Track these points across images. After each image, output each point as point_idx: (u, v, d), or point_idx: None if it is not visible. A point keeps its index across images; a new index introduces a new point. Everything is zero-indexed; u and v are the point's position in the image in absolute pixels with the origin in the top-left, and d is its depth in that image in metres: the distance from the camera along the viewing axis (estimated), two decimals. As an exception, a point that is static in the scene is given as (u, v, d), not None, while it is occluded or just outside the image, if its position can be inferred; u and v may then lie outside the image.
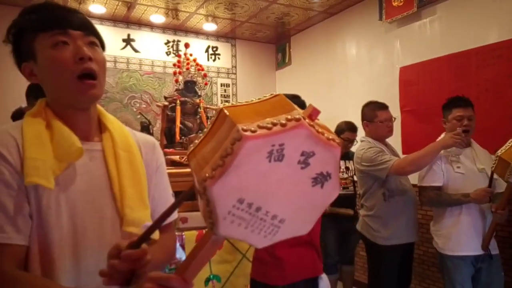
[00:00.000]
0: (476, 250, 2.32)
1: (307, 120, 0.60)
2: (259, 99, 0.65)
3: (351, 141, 3.42)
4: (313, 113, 0.62)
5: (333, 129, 3.52)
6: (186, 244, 2.44)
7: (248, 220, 0.61)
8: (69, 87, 0.86)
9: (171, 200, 1.08)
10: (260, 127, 0.56)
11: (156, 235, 0.94)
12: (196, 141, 0.68)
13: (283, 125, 0.57)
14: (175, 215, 1.07)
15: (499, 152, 2.20)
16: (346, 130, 3.43)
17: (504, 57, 2.99)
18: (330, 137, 0.62)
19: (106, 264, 0.83)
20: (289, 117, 0.58)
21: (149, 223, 0.90)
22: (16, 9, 3.81)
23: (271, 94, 0.66)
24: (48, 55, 0.86)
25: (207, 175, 0.57)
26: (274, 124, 0.57)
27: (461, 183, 2.35)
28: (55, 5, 0.91)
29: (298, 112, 0.60)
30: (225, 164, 0.56)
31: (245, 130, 0.55)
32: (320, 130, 0.61)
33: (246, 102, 0.65)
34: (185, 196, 0.69)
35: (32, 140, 0.83)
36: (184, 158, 3.01)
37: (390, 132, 2.73)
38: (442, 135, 2.54)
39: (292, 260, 1.73)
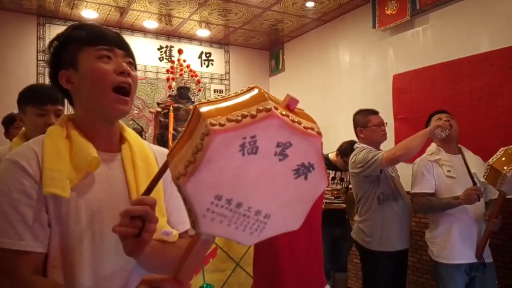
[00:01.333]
0: (470, 258, 2.32)
1: (279, 110, 0.58)
2: (235, 93, 0.64)
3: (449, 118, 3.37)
4: (291, 103, 0.61)
5: (336, 148, 3.46)
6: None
7: (230, 216, 0.59)
8: (104, 97, 0.94)
9: (183, 210, 1.10)
10: (229, 120, 0.55)
11: (175, 237, 0.98)
12: (176, 140, 0.67)
13: (253, 116, 0.55)
14: (187, 224, 1.11)
15: (490, 161, 2.21)
16: (350, 151, 3.38)
17: (496, 65, 3.02)
18: (309, 126, 0.60)
19: (121, 270, 0.93)
20: (259, 107, 0.56)
21: (168, 229, 0.97)
22: (8, 14, 3.70)
23: (248, 87, 0.64)
24: (91, 65, 0.94)
25: (180, 172, 0.57)
26: (244, 116, 0.55)
27: (452, 187, 2.36)
28: (102, 26, 1.02)
29: (269, 102, 0.58)
30: (196, 161, 0.55)
31: (213, 125, 0.54)
32: (296, 119, 0.59)
33: (222, 97, 0.63)
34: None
35: (51, 152, 0.90)
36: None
37: (384, 137, 2.74)
38: (433, 144, 2.57)
39: (294, 275, 1.68)
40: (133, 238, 0.80)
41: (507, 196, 2.23)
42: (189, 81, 3.92)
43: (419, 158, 2.54)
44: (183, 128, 0.64)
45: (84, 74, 0.95)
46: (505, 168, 2.12)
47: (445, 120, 2.47)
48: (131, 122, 4.69)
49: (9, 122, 2.77)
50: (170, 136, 3.57)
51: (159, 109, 3.79)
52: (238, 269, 2.51)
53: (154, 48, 5.19)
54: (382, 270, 2.63)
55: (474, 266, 2.34)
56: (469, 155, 2.50)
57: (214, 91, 5.61)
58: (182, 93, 3.85)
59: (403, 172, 3.03)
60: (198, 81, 4.05)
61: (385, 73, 3.99)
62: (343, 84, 4.59)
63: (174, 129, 3.64)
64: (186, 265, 0.65)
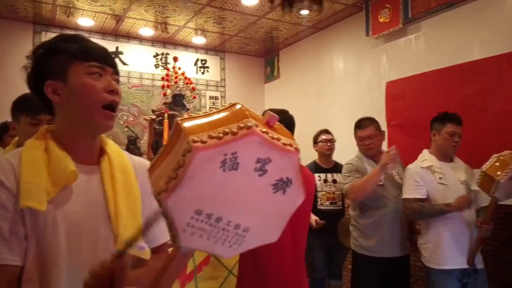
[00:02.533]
0: (461, 264, 2.33)
1: (260, 127, 0.59)
2: (216, 109, 0.65)
3: (329, 141, 3.38)
4: (271, 120, 0.62)
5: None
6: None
7: (209, 231, 0.61)
8: (94, 112, 0.95)
9: (163, 223, 1.09)
10: (211, 137, 0.56)
11: (147, 255, 0.98)
12: (157, 155, 0.68)
13: (234, 133, 0.57)
14: (166, 236, 1.10)
15: (484, 168, 2.24)
16: (320, 133, 3.45)
17: (486, 73, 3.06)
18: (287, 142, 0.62)
19: None
20: (241, 125, 0.58)
21: (142, 243, 0.93)
22: (4, 21, 3.70)
23: (230, 103, 0.66)
24: (82, 81, 0.95)
25: (161, 188, 0.58)
26: (225, 133, 0.57)
27: (444, 194, 2.38)
28: (92, 41, 1.02)
29: (250, 120, 0.60)
30: (178, 177, 0.56)
31: (195, 141, 0.56)
32: (275, 136, 0.61)
33: (203, 113, 0.65)
34: (155, 217, 0.69)
35: (28, 165, 0.89)
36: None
37: (367, 151, 2.75)
38: (426, 151, 2.57)
39: (280, 285, 1.68)
40: None
41: (499, 203, 2.26)
42: (184, 89, 3.94)
43: (412, 164, 2.56)
44: (166, 143, 0.65)
45: (74, 89, 0.95)
46: (498, 174, 2.14)
47: (453, 145, 2.44)
48: (126, 129, 4.71)
49: (3, 130, 2.77)
50: (164, 143, 3.58)
51: (154, 117, 3.80)
52: (231, 277, 2.51)
53: (150, 55, 5.22)
54: (366, 274, 2.69)
55: (466, 272, 2.35)
56: (460, 163, 2.53)
57: (210, 98, 5.63)
58: (177, 101, 3.87)
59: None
60: (193, 89, 4.08)
61: (378, 80, 4.02)
62: (337, 91, 4.62)
63: (169, 137, 3.65)
64: (164, 278, 0.67)
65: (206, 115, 0.64)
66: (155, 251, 1.04)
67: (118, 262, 0.76)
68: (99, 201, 0.95)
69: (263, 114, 0.65)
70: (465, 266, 2.32)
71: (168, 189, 0.57)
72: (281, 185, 0.63)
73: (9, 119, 2.36)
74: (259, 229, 0.65)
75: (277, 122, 0.66)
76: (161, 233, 1.07)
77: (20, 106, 1.84)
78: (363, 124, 2.78)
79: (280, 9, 2.20)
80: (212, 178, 0.57)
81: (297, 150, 0.63)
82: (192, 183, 0.56)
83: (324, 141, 3.40)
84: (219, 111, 0.64)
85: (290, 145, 0.62)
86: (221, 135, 0.57)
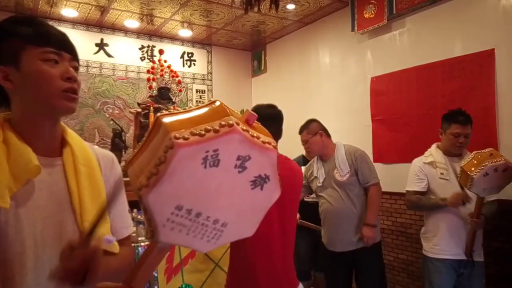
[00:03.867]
0: (458, 255, 2.42)
1: (241, 125, 0.61)
2: (196, 106, 0.66)
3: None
4: (250, 118, 0.64)
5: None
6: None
7: (189, 226, 0.62)
8: (54, 96, 0.90)
9: (127, 214, 1.10)
10: (193, 134, 0.57)
11: (116, 248, 0.96)
12: (135, 150, 0.68)
13: (216, 131, 0.58)
14: (131, 229, 1.10)
15: (462, 164, 2.31)
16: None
17: (467, 69, 3.12)
18: (266, 140, 0.64)
19: None
20: (222, 122, 0.59)
21: (110, 236, 0.92)
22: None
23: (209, 101, 0.67)
24: (36, 67, 0.89)
25: (142, 184, 0.58)
26: (207, 131, 0.58)
27: (445, 189, 2.46)
28: (48, 24, 0.96)
29: (231, 117, 0.61)
30: (159, 172, 0.57)
31: (178, 138, 0.56)
32: (255, 134, 0.63)
33: (183, 109, 0.65)
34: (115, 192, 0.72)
35: None
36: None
37: (308, 154, 3.22)
38: (433, 146, 2.63)
39: (268, 277, 1.70)
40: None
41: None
42: (170, 82, 3.91)
43: (416, 159, 2.66)
44: (144, 138, 0.66)
45: (28, 76, 0.90)
46: (473, 170, 2.22)
47: (458, 145, 2.49)
48: (111, 122, 4.67)
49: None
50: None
51: (140, 110, 3.77)
52: (217, 269, 2.54)
53: (135, 47, 5.16)
54: (328, 266, 2.94)
55: (462, 263, 2.43)
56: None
57: (197, 91, 5.61)
58: (163, 94, 3.84)
59: (402, 172, 3.17)
60: (179, 82, 4.05)
61: (363, 75, 4.07)
62: (323, 85, 4.66)
63: (155, 130, 3.63)
64: (141, 272, 0.67)
65: (186, 111, 0.64)
66: (120, 244, 1.00)
67: (89, 246, 0.73)
68: (63, 195, 0.92)
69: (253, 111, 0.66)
70: (462, 257, 2.41)
71: (149, 185, 0.57)
72: (259, 181, 0.65)
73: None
74: (236, 224, 0.66)
75: (256, 120, 0.68)
76: (125, 226, 1.05)
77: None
78: (299, 130, 2.98)
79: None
80: (193, 174, 0.58)
81: (275, 148, 0.65)
82: (173, 179, 0.57)
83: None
84: (199, 108, 0.65)
85: (269, 143, 0.64)
86: (203, 132, 0.58)
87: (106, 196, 0.98)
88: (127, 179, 1.06)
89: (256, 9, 2.25)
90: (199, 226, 0.62)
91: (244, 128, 0.61)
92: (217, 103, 0.65)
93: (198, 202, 0.61)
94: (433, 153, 2.59)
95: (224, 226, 0.65)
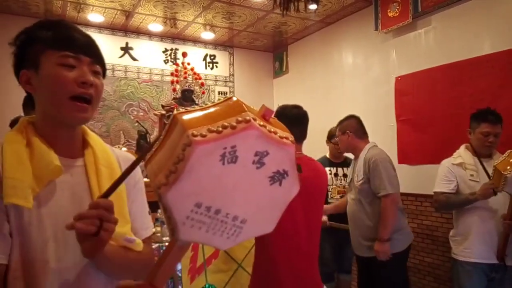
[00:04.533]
0: (489, 259, 2.34)
1: (258, 121, 0.60)
2: (213, 103, 0.66)
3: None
4: (266, 113, 0.64)
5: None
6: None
7: (208, 223, 0.61)
8: (63, 105, 0.90)
9: (147, 216, 1.11)
10: (210, 131, 0.57)
11: (139, 247, 0.97)
12: (153, 149, 0.68)
13: (233, 127, 0.58)
14: (150, 231, 1.10)
15: (495, 162, 2.24)
16: (335, 132, 3.51)
17: (497, 68, 3.02)
18: (284, 135, 0.63)
19: (87, 278, 0.89)
20: (239, 119, 0.59)
21: (131, 236, 0.93)
22: (15, 18, 3.74)
23: (226, 97, 0.67)
24: (52, 71, 0.89)
25: (161, 182, 0.58)
26: (224, 127, 0.58)
27: (476, 189, 2.37)
28: (72, 26, 0.95)
29: (248, 113, 0.60)
30: (177, 171, 0.57)
31: (195, 135, 0.56)
32: (272, 129, 0.62)
33: (199, 107, 0.65)
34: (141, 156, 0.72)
35: (11, 160, 0.85)
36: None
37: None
38: (462, 147, 2.56)
39: (293, 279, 1.69)
40: (91, 237, 0.78)
41: None
42: (193, 84, 3.96)
43: (445, 160, 2.60)
44: (162, 136, 0.65)
45: (44, 79, 0.90)
46: (507, 169, 2.15)
47: (487, 145, 2.43)
48: (136, 124, 4.75)
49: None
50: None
51: (164, 112, 3.83)
52: (240, 270, 2.54)
53: (159, 51, 5.25)
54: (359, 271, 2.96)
55: (494, 267, 2.35)
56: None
57: (219, 93, 5.65)
58: (186, 96, 3.89)
59: (428, 173, 3.11)
60: (202, 84, 4.09)
61: (387, 75, 4.00)
62: (345, 86, 4.61)
63: (178, 131, 3.68)
64: (161, 270, 0.67)
65: (203, 108, 0.64)
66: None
67: (103, 202, 0.77)
68: (84, 195, 0.93)
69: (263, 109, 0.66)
70: (494, 261, 2.33)
71: (168, 183, 0.57)
72: (278, 177, 0.64)
73: (22, 114, 2.41)
74: (256, 220, 0.66)
75: (273, 116, 0.67)
76: (144, 228, 1.06)
77: (30, 101, 1.87)
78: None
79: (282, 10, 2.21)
80: (211, 172, 0.58)
81: (293, 143, 0.64)
82: (192, 176, 0.57)
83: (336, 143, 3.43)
84: (215, 105, 0.65)
85: (287, 138, 0.63)
86: (220, 129, 0.57)
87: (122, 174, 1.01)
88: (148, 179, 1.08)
89: (292, 11, 2.23)
90: (219, 223, 0.62)
91: (261, 123, 0.61)
92: (234, 99, 0.65)
93: (217, 199, 0.61)
94: (462, 154, 2.52)
95: (244, 223, 0.64)
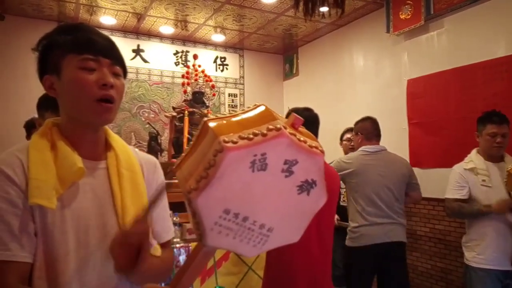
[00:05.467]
0: (503, 265, 2.31)
1: (288, 129, 0.60)
2: (242, 110, 0.66)
3: (352, 139, 3.44)
4: (296, 122, 0.63)
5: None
6: (192, 255, 2.44)
7: (235, 230, 0.61)
8: (87, 107, 0.91)
9: (168, 218, 1.11)
10: (242, 138, 0.57)
11: (158, 251, 0.98)
12: (183, 154, 0.68)
13: (264, 135, 0.58)
14: (172, 233, 1.11)
15: (508, 167, 2.20)
16: (346, 132, 3.56)
17: (510, 71, 2.98)
18: (313, 144, 0.63)
19: (108, 280, 0.90)
20: (270, 126, 0.59)
21: (151, 241, 0.93)
22: (30, 20, 3.78)
23: (255, 105, 0.66)
24: (74, 75, 0.90)
25: (191, 187, 0.58)
26: (255, 135, 0.58)
27: (488, 195, 2.36)
28: (91, 30, 0.96)
29: (279, 121, 0.61)
30: (208, 176, 0.57)
31: (227, 142, 0.56)
32: (302, 138, 0.62)
33: (229, 113, 0.65)
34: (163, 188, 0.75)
35: (37, 161, 0.87)
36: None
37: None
38: (474, 151, 2.53)
39: (306, 282, 1.68)
40: (128, 256, 0.79)
41: None
42: (204, 86, 3.97)
43: (457, 165, 2.56)
44: (192, 142, 0.66)
45: (66, 84, 0.91)
46: None
47: (496, 146, 2.40)
48: (147, 126, 4.79)
49: (31, 126, 2.85)
50: (185, 140, 3.62)
51: (175, 114, 3.84)
52: (250, 273, 2.54)
53: (170, 53, 5.28)
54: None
55: (509, 274, 2.32)
56: (511, 161, 2.46)
57: (229, 95, 5.66)
58: (197, 98, 3.89)
59: (440, 177, 3.12)
60: (213, 86, 4.09)
61: (399, 77, 3.97)
62: (357, 88, 4.58)
63: (189, 133, 3.69)
64: (186, 276, 0.68)
65: (233, 115, 0.64)
66: (160, 247, 1.03)
67: (141, 226, 0.78)
68: (106, 198, 0.94)
69: (288, 114, 0.66)
70: (509, 268, 2.30)
71: (198, 188, 0.57)
72: (306, 186, 0.64)
73: (36, 115, 2.45)
74: (282, 229, 0.65)
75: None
76: (165, 231, 1.06)
77: (45, 103, 1.88)
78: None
79: (302, 15, 2.22)
80: (241, 178, 0.58)
81: (322, 152, 0.64)
82: (222, 182, 0.57)
83: (347, 139, 3.46)
84: (245, 112, 0.65)
85: (316, 147, 0.63)
86: (251, 136, 0.58)
87: (148, 199, 0.99)
88: (168, 181, 1.08)
89: (316, 15, 2.22)
90: (246, 231, 0.62)
91: (291, 132, 0.61)
92: (263, 108, 0.65)
93: (245, 206, 0.61)
94: (474, 158, 2.49)
95: (270, 231, 0.64)
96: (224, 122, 0.62)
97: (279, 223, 0.65)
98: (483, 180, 2.39)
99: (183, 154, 0.68)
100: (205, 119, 0.63)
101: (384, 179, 2.70)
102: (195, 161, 0.62)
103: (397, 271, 2.71)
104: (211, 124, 0.61)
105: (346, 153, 3.43)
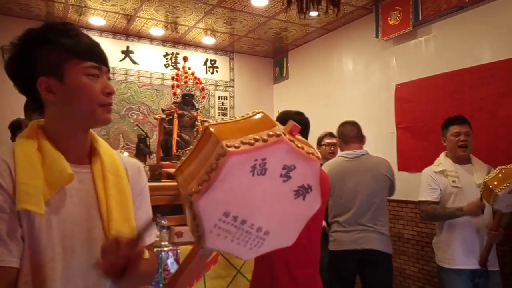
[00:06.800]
0: (472, 264, 2.38)
1: (287, 136, 0.63)
2: (242, 116, 0.68)
3: (332, 145, 3.49)
4: (293, 129, 0.66)
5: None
6: (180, 258, 2.43)
7: (234, 232, 0.63)
8: (92, 111, 0.94)
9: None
10: (243, 143, 0.59)
11: (146, 254, 0.97)
12: (183, 158, 0.70)
13: (264, 140, 0.60)
14: (154, 237, 1.12)
15: (485, 178, 2.26)
16: (324, 136, 3.57)
17: (497, 77, 3.04)
18: (310, 151, 0.65)
19: (93, 285, 0.91)
20: (270, 133, 0.61)
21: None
22: (17, 20, 3.72)
23: (254, 112, 0.69)
24: (80, 82, 0.92)
25: (193, 190, 0.60)
26: (257, 140, 0.60)
27: (458, 197, 2.43)
28: (87, 36, 0.98)
29: (279, 128, 0.63)
30: (210, 179, 0.59)
31: (229, 146, 0.58)
32: (300, 145, 0.64)
33: (230, 119, 0.67)
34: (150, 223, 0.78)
35: (24, 165, 0.86)
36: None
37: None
38: (442, 155, 2.60)
39: (293, 286, 1.68)
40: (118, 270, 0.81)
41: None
42: (194, 88, 3.95)
43: (426, 168, 2.63)
44: (192, 146, 0.68)
45: (72, 90, 0.92)
46: (497, 186, 2.17)
47: (461, 144, 2.48)
48: (136, 128, 4.75)
49: (16, 127, 2.81)
50: (174, 142, 3.60)
51: (164, 116, 3.82)
52: (239, 276, 2.54)
53: (160, 55, 5.26)
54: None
55: (477, 273, 2.39)
56: (479, 165, 2.54)
57: (219, 97, 5.66)
58: (187, 100, 3.86)
59: (413, 181, 3.08)
60: (203, 89, 4.08)
61: (387, 82, 4.02)
62: (346, 92, 4.62)
63: (178, 136, 3.67)
64: (182, 278, 0.69)
65: (233, 121, 0.67)
66: None
67: (135, 248, 0.80)
68: (92, 202, 0.94)
69: (279, 117, 0.67)
70: (477, 267, 2.37)
71: (200, 191, 0.59)
72: (302, 191, 0.66)
73: (22, 116, 2.41)
74: (278, 233, 0.67)
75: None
76: (148, 234, 1.05)
77: (32, 104, 1.87)
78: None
79: (296, 13, 2.22)
80: (241, 182, 0.60)
81: (318, 158, 0.67)
82: (223, 186, 0.59)
83: (327, 144, 3.49)
84: (245, 118, 0.68)
85: (313, 154, 0.66)
86: (252, 141, 0.60)
87: (133, 201, 1.02)
88: (152, 183, 1.08)
89: (312, 12, 2.21)
90: (243, 233, 0.64)
91: (290, 138, 0.63)
92: (260, 115, 0.67)
93: (244, 209, 0.62)
94: (443, 161, 2.57)
95: (266, 235, 0.66)
96: (225, 127, 0.64)
97: (275, 226, 0.66)
98: (453, 182, 2.47)
99: (183, 158, 0.69)
100: (207, 124, 0.65)
101: (360, 187, 2.65)
102: (197, 164, 0.64)
103: (373, 279, 2.68)
104: (213, 129, 0.63)
105: (325, 158, 3.41)
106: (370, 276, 2.69)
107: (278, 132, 0.61)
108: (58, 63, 0.91)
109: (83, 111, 0.94)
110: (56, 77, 0.92)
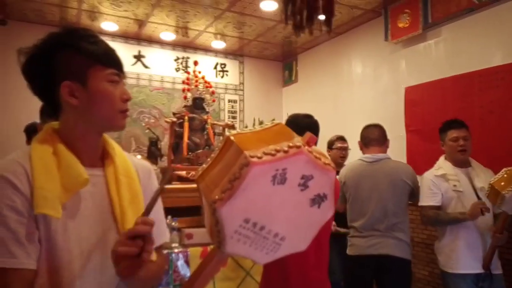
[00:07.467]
0: (476, 268, 2.36)
1: (306, 147, 0.66)
2: (261, 127, 0.72)
3: (344, 149, 3.47)
4: (310, 140, 0.69)
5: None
6: (190, 260, 2.46)
7: (252, 238, 0.67)
8: (112, 116, 0.98)
9: (163, 224, 1.14)
10: (265, 154, 0.63)
11: (153, 256, 0.99)
12: (204, 165, 0.73)
13: (285, 151, 0.64)
14: (166, 237, 1.14)
15: (492, 180, 2.25)
16: (335, 140, 3.53)
17: (507, 80, 3.02)
18: (326, 162, 0.69)
19: (107, 287, 0.92)
20: (290, 144, 0.65)
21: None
22: (31, 25, 3.80)
23: (272, 122, 0.73)
24: (103, 88, 0.95)
25: (216, 197, 0.63)
26: (278, 151, 0.63)
27: (459, 201, 2.41)
28: (106, 42, 1.01)
29: (298, 139, 0.67)
30: (233, 187, 0.62)
31: (252, 157, 0.62)
32: (317, 155, 0.68)
33: (250, 130, 0.71)
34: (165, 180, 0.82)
35: (41, 169, 0.88)
36: (191, 174, 3.05)
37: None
38: (441, 158, 2.59)
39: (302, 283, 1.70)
40: (132, 258, 0.80)
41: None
42: (204, 92, 4.01)
43: (427, 172, 2.60)
44: (213, 154, 0.71)
45: (95, 95, 0.94)
46: (504, 188, 2.16)
47: (460, 149, 2.46)
48: (147, 131, 4.82)
49: (32, 131, 2.86)
50: (184, 145, 3.65)
51: (175, 119, 3.88)
52: (248, 278, 2.56)
53: (171, 59, 5.33)
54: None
55: (481, 277, 2.37)
56: (479, 168, 2.53)
57: (229, 101, 5.71)
58: (197, 104, 3.93)
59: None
60: (213, 92, 4.13)
61: (396, 85, 4.02)
62: (355, 96, 4.63)
63: (189, 138, 3.73)
64: (199, 281, 0.72)
65: (253, 132, 0.71)
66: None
67: (145, 222, 0.81)
68: (105, 205, 0.96)
69: (288, 120, 0.70)
70: (480, 270, 2.36)
71: (223, 199, 0.62)
72: (318, 200, 0.70)
73: (37, 120, 2.47)
74: (293, 238, 0.71)
75: (293, 130, 0.72)
76: (159, 235, 1.07)
77: (48, 108, 1.91)
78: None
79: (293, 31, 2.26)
80: (262, 190, 0.64)
81: (334, 169, 0.71)
82: (245, 194, 0.62)
83: (338, 148, 3.46)
84: (265, 129, 0.72)
85: (329, 164, 0.69)
86: (273, 152, 0.63)
87: (145, 204, 1.01)
88: (177, 183, 1.09)
89: (307, 31, 2.23)
90: (261, 239, 0.67)
91: (309, 149, 0.67)
92: (280, 125, 0.72)
93: (263, 216, 0.66)
94: (443, 165, 2.55)
95: (283, 240, 0.69)
96: (246, 137, 0.68)
97: (291, 232, 0.70)
98: (454, 185, 2.44)
99: (204, 165, 0.73)
100: (228, 134, 0.69)
101: (375, 192, 2.59)
102: (220, 173, 0.67)
103: (389, 285, 2.62)
104: (235, 139, 0.67)
105: (335, 162, 3.41)
106: (386, 282, 2.62)
107: (298, 144, 0.65)
108: (82, 68, 0.93)
109: (103, 116, 0.97)
110: (79, 82, 0.93)
